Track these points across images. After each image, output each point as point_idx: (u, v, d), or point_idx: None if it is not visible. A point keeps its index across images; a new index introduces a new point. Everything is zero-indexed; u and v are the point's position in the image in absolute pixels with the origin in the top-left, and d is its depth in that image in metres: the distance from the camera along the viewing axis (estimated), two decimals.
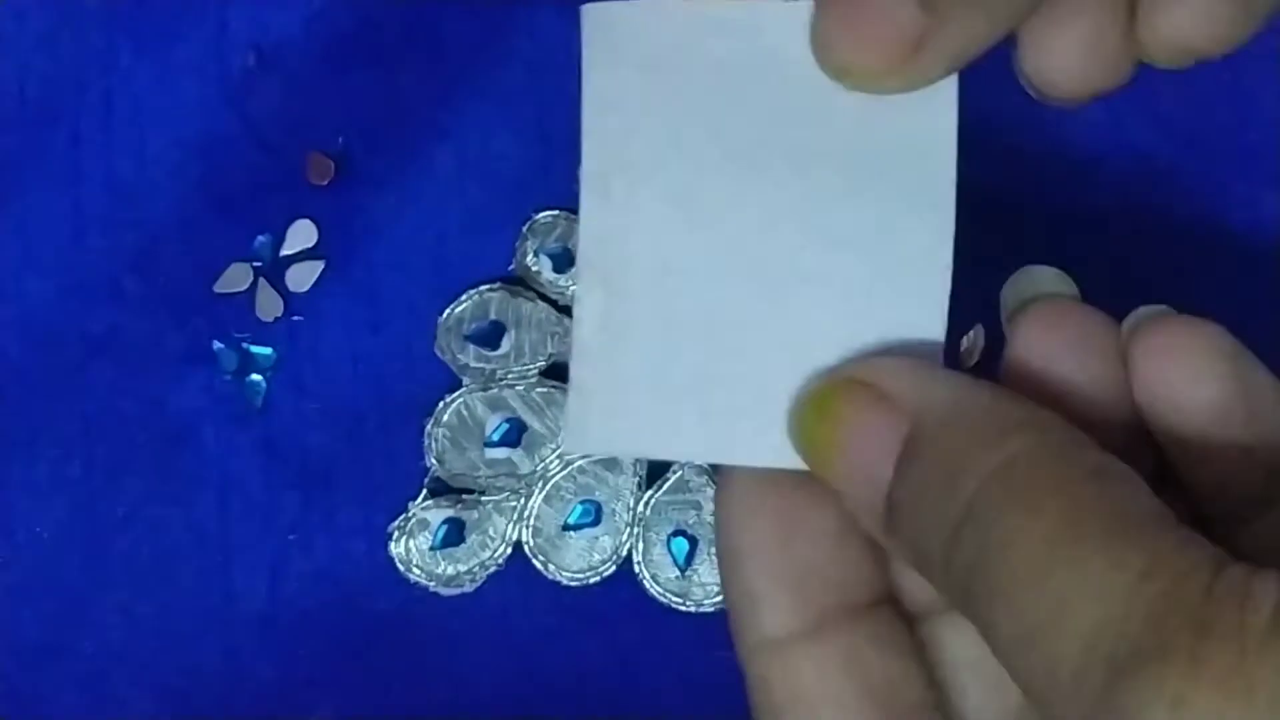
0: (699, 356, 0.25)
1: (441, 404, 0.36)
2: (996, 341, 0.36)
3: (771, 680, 0.26)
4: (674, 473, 0.36)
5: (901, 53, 0.24)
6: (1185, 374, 0.24)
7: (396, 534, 0.36)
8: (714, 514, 0.26)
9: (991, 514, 0.21)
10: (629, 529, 0.36)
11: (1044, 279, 0.25)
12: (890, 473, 0.23)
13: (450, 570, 0.36)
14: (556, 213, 0.37)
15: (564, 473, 0.36)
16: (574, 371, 0.26)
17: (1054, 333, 0.24)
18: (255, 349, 0.37)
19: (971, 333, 0.36)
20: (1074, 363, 0.24)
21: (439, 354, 0.37)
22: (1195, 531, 0.20)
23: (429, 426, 0.36)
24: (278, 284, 0.37)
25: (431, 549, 0.36)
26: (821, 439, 0.24)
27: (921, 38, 0.24)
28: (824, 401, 0.24)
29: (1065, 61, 0.27)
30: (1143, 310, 0.25)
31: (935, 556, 0.22)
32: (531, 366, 0.36)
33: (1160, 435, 0.24)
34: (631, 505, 0.36)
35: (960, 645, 0.26)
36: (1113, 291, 0.32)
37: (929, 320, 0.24)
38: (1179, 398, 0.24)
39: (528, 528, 0.36)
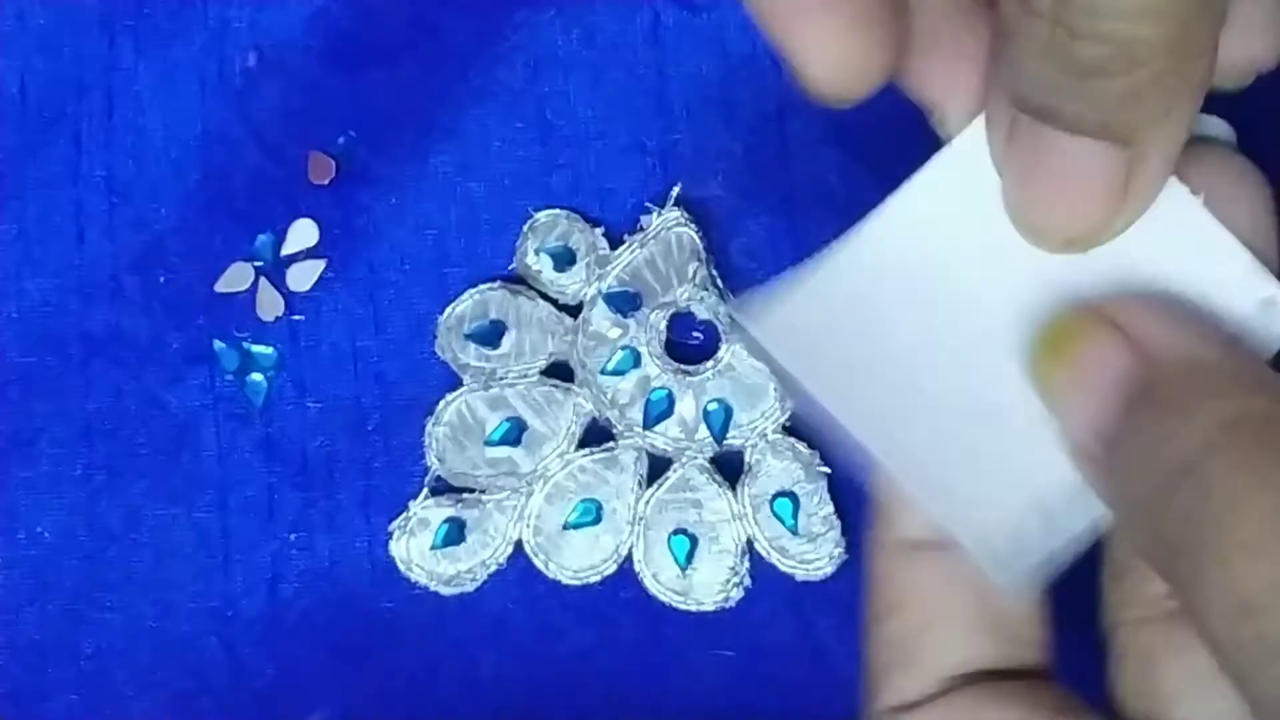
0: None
1: (442, 403, 0.36)
2: None
3: (893, 577, 0.25)
4: (674, 471, 0.36)
5: (1113, 201, 0.22)
6: None
7: (397, 533, 0.36)
8: None
9: (1217, 470, 0.20)
10: (630, 527, 0.36)
11: (1206, 123, 0.24)
12: (1115, 411, 0.22)
13: (451, 569, 0.36)
14: (556, 212, 0.37)
15: (564, 471, 0.36)
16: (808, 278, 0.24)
17: (1203, 180, 0.24)
18: (256, 348, 0.37)
19: None
20: (1218, 213, 0.23)
21: (439, 353, 0.37)
22: None
23: (430, 425, 0.36)
24: (279, 283, 0.37)
25: (432, 548, 0.36)
26: (1054, 368, 0.23)
27: (1128, 175, 0.22)
28: (1063, 333, 0.23)
29: None
30: None
31: (1144, 505, 0.21)
32: (532, 365, 0.37)
33: None
34: (632, 504, 0.36)
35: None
36: None
37: None
38: None
39: (528, 526, 0.36)
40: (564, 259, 0.37)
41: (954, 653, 0.24)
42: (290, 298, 0.37)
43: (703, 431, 0.36)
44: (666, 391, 0.36)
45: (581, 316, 0.37)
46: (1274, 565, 0.19)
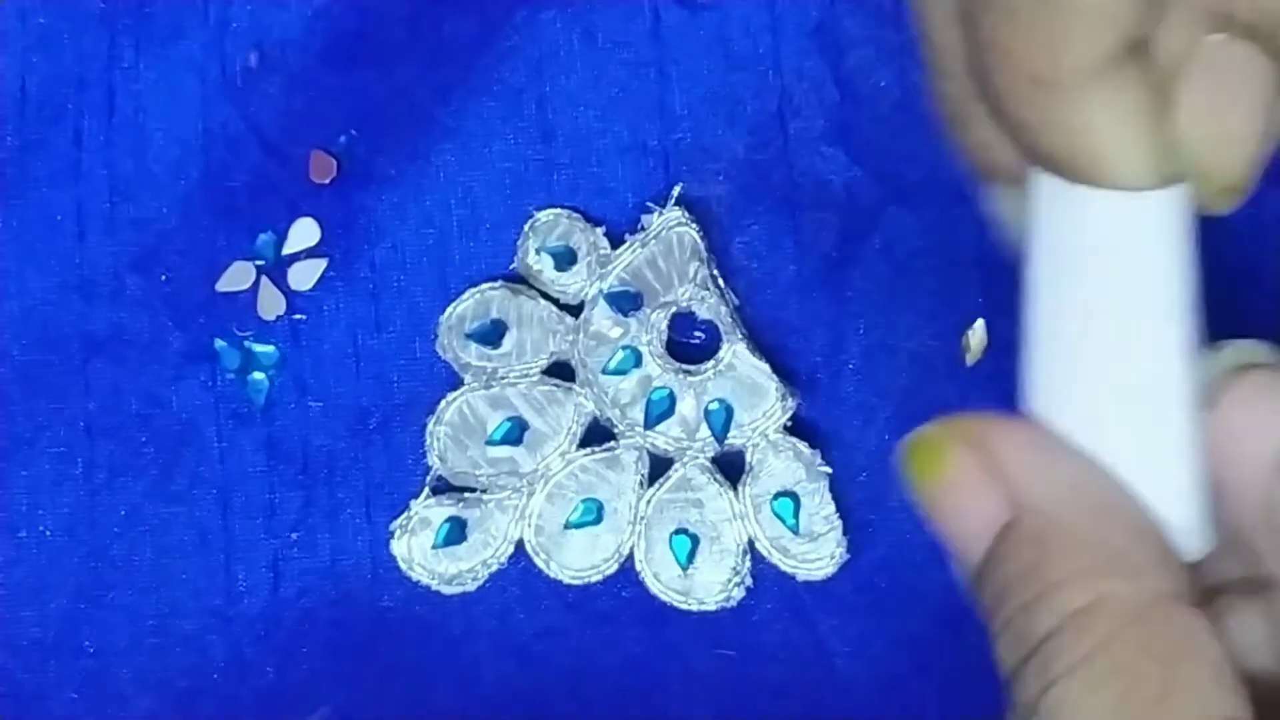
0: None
1: (443, 402, 0.36)
2: (996, 338, 0.36)
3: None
4: (675, 471, 0.36)
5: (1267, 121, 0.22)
6: None
7: (398, 532, 0.36)
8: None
9: (1058, 667, 0.21)
10: (631, 527, 0.36)
11: (1252, 351, 0.25)
12: (983, 546, 0.22)
13: (452, 568, 0.36)
14: (558, 211, 0.37)
15: (565, 471, 0.36)
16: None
17: (1267, 400, 0.23)
18: (257, 347, 0.37)
19: (974, 327, 0.36)
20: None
21: (441, 352, 0.37)
22: None
23: (431, 425, 0.36)
24: (280, 282, 0.37)
25: (433, 547, 0.36)
26: (927, 480, 0.23)
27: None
28: (934, 448, 0.23)
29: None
30: None
31: (1008, 657, 0.22)
32: (533, 364, 0.37)
33: None
34: (633, 503, 0.36)
35: None
36: None
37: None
38: None
39: (530, 526, 0.36)
40: (565, 258, 0.37)
41: None
42: (291, 297, 0.37)
43: (704, 431, 0.36)
44: (668, 391, 0.36)
45: (583, 316, 0.37)
46: None
